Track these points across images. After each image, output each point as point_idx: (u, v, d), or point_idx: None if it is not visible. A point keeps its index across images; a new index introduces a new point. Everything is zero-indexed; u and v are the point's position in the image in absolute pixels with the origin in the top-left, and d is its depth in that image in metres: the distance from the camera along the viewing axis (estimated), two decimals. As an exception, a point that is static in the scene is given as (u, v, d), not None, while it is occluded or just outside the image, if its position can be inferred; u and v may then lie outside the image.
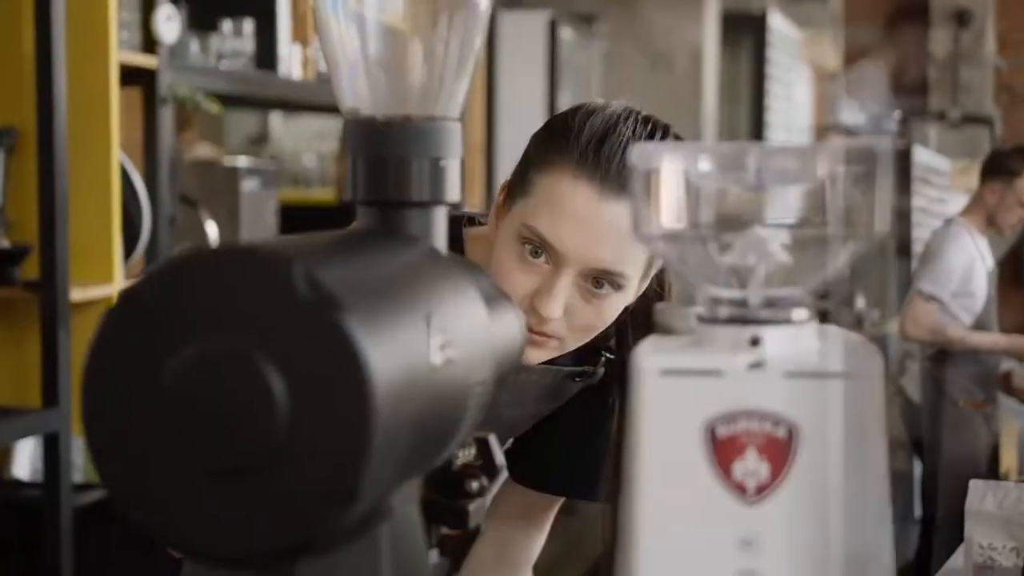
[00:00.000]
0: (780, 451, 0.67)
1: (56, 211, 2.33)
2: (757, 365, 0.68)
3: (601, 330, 1.27)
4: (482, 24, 0.86)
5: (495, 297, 0.87)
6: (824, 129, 9.55)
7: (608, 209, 1.18)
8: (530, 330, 1.22)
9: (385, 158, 0.82)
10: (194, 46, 2.87)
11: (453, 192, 0.84)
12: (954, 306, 4.15)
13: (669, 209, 0.72)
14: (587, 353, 1.38)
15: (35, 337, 2.35)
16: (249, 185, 3.04)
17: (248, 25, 2.97)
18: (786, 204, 0.71)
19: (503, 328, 0.85)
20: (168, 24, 2.60)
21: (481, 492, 0.89)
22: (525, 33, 4.88)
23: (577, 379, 1.40)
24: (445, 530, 0.90)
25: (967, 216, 4.23)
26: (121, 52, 2.51)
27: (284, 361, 0.62)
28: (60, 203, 2.33)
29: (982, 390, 4.28)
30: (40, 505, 2.36)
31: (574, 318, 1.23)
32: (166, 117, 2.64)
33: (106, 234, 2.45)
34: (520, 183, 1.24)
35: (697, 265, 0.72)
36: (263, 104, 3.70)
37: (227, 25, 2.97)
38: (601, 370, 1.40)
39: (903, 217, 7.10)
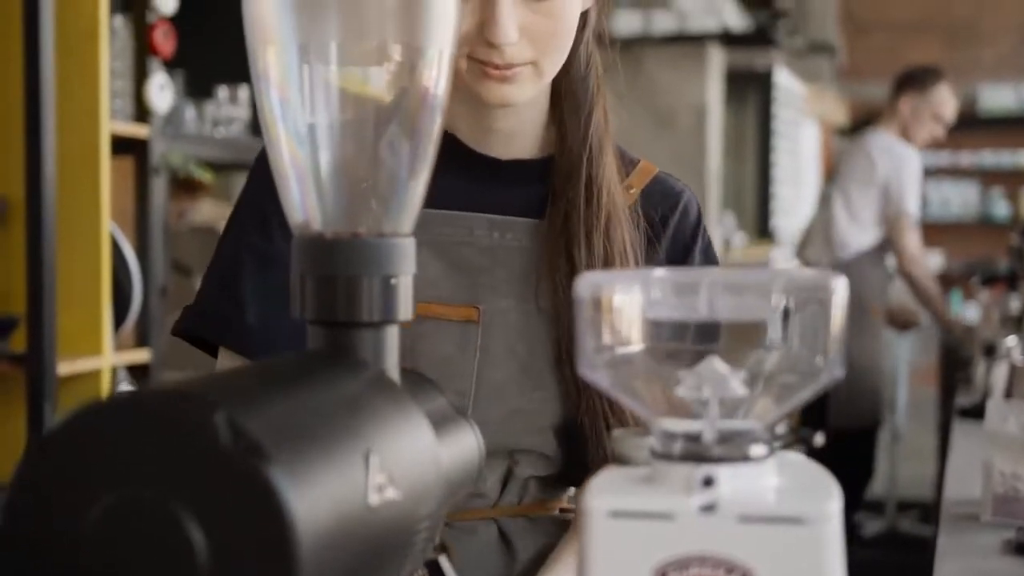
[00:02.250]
0: (734, 600, 0.64)
1: (44, 282, 2.30)
2: (710, 508, 0.65)
3: (570, 38, 1.16)
4: (435, 129, 0.84)
5: (448, 418, 0.83)
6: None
7: None
8: (496, 67, 1.13)
9: (334, 277, 0.79)
10: (190, 112, 2.86)
11: (405, 310, 0.81)
12: None
13: (619, 339, 0.69)
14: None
15: (22, 411, 2.32)
16: (245, 251, 3.02)
17: (244, 91, 2.96)
18: (742, 334, 0.69)
19: (455, 452, 0.82)
20: (161, 94, 2.59)
21: (437, 618, 0.85)
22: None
23: None
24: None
25: (886, 132, 4.27)
26: (114, 122, 2.50)
27: (206, 513, 0.59)
28: (48, 274, 2.31)
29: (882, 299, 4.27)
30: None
31: (533, 33, 1.13)
32: (159, 186, 2.63)
33: (95, 306, 2.43)
34: None
35: (650, 397, 0.69)
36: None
37: (223, 92, 2.96)
38: None
39: (765, 138, 7.16)
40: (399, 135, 0.82)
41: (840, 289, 0.66)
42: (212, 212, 4.04)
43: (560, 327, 1.18)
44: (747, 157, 7.25)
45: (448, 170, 1.30)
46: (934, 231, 10.17)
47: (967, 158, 10.04)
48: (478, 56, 1.12)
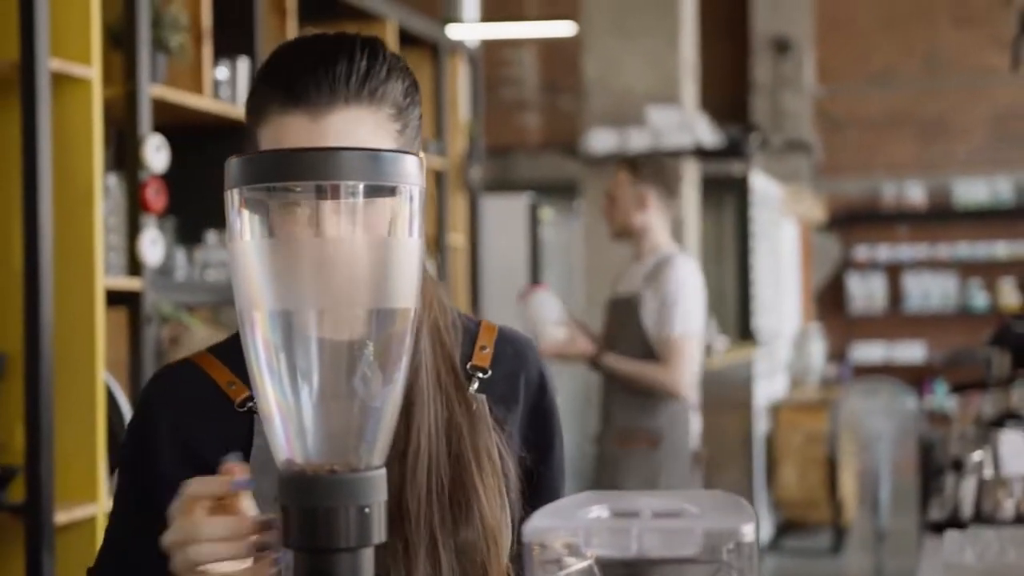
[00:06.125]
0: None
1: (42, 435, 2.40)
2: None
3: None
4: (403, 370, 0.95)
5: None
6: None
7: (326, 125, 1.16)
8: None
9: (315, 508, 0.90)
10: (180, 258, 2.99)
11: (379, 534, 0.92)
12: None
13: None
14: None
15: (20, 562, 2.40)
16: (234, 386, 3.12)
17: (232, 236, 3.09)
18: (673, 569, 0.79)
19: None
20: (153, 248, 2.72)
21: None
22: (508, 215, 5.04)
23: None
24: None
25: None
26: (108, 277, 2.61)
27: None
28: (46, 427, 2.41)
29: (643, 424, 3.88)
30: None
31: None
32: (150, 335, 2.74)
33: (91, 455, 2.52)
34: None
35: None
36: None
37: (212, 236, 3.09)
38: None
39: (743, 240, 7.22)
40: (372, 380, 0.93)
41: (749, 533, 0.76)
42: (205, 338, 4.14)
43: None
44: (727, 261, 7.38)
45: None
46: (915, 322, 10.31)
47: (944, 250, 10.21)
48: None
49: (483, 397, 1.27)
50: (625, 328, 3.89)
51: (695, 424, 3.98)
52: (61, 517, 2.44)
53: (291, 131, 1.17)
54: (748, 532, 0.76)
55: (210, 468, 1.21)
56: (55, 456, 2.45)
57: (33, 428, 2.41)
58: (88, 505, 2.53)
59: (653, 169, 4.00)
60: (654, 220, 3.94)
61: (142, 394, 1.30)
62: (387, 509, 1.19)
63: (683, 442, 3.87)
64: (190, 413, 1.25)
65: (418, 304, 0.93)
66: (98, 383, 2.53)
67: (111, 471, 2.62)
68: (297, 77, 1.17)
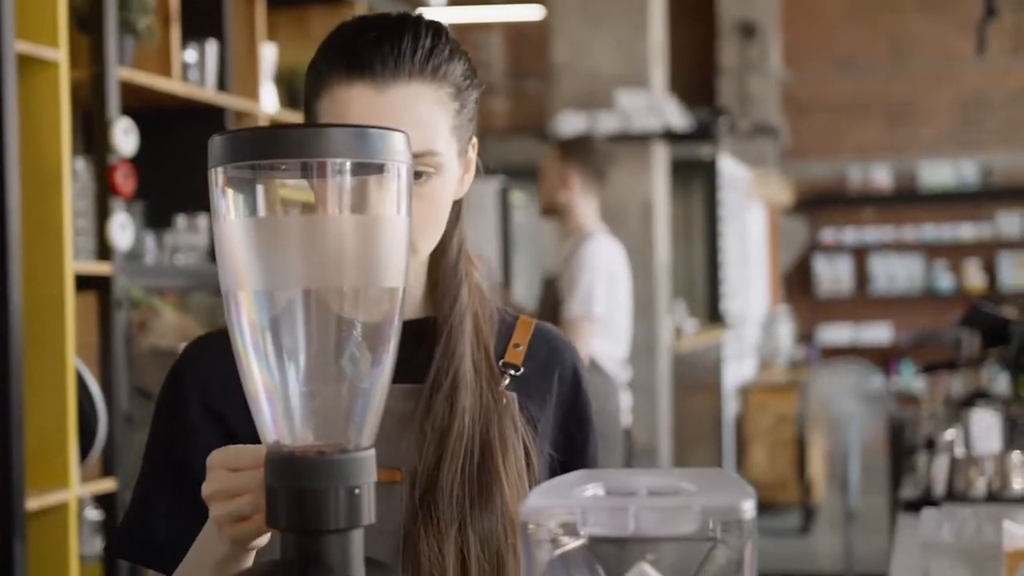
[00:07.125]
0: None
1: (12, 421, 2.37)
2: None
3: (444, 220, 1.23)
4: (392, 350, 0.94)
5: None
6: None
7: (389, 97, 1.18)
8: None
9: (303, 490, 0.89)
10: (150, 243, 2.96)
11: (369, 515, 0.91)
12: None
13: (559, 550, 0.79)
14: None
15: (-9, 549, 2.38)
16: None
17: (203, 220, 3.06)
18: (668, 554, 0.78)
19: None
20: (122, 232, 2.69)
21: None
22: (478, 199, 5.02)
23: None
24: None
25: None
26: (77, 261, 2.59)
27: None
28: (16, 413, 2.38)
29: None
30: None
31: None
32: (120, 319, 2.71)
33: (62, 441, 2.50)
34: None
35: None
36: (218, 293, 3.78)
37: (181, 221, 3.06)
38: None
39: (712, 223, 7.26)
40: (360, 360, 0.92)
41: (748, 510, 0.76)
42: (173, 323, 4.10)
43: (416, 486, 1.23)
44: (695, 244, 7.41)
45: None
46: (881, 304, 10.39)
47: (910, 233, 10.28)
48: None
49: (513, 395, 1.27)
50: (547, 309, 3.90)
51: (624, 402, 3.97)
52: (32, 503, 2.42)
53: (354, 102, 1.18)
54: (747, 509, 0.75)
55: (236, 436, 1.19)
56: (25, 442, 2.42)
57: (3, 414, 2.39)
58: (60, 491, 2.51)
59: (580, 150, 4.01)
60: (577, 200, 3.94)
61: (177, 359, 1.31)
62: (423, 485, 1.21)
63: (611, 422, 3.84)
64: (220, 382, 1.24)
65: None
66: (68, 368, 2.51)
67: (82, 456, 2.60)
68: (363, 49, 1.19)
